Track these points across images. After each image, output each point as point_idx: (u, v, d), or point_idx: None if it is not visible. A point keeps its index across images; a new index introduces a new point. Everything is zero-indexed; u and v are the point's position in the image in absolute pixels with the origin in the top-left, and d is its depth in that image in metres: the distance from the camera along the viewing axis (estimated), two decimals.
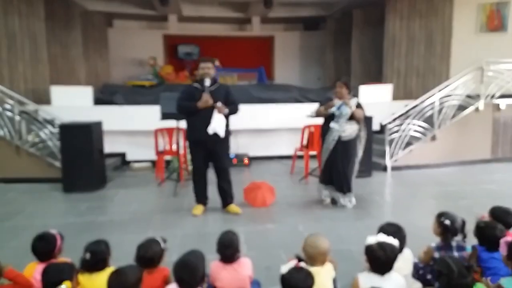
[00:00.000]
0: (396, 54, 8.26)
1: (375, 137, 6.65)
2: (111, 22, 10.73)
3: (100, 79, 9.52)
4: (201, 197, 4.44)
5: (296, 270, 1.98)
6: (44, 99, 6.87)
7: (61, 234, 2.48)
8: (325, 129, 4.55)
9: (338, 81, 4.51)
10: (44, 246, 2.36)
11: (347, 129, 4.41)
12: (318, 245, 2.27)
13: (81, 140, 5.25)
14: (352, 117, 4.40)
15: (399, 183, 5.80)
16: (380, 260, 2.08)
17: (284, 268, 1.99)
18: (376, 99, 7.19)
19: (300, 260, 2.04)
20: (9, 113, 5.85)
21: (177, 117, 5.15)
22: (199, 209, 4.38)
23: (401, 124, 6.48)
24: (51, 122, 6.05)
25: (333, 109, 4.42)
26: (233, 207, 4.44)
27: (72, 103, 6.54)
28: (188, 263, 2.06)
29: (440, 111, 6.57)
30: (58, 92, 6.70)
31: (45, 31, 7.40)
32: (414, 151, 6.53)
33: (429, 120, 6.56)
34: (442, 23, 7.88)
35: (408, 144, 6.51)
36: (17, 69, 7.12)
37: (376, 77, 9.09)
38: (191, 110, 4.10)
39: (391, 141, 6.43)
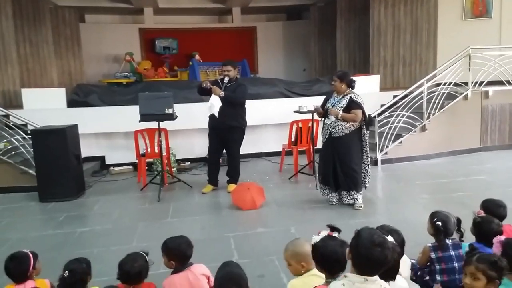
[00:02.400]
0: (382, 43, 8.14)
1: None
2: (83, 17, 10.30)
3: (73, 78, 9.19)
4: (211, 180, 5.17)
5: (330, 238, 1.88)
6: (15, 102, 6.52)
7: (34, 252, 2.32)
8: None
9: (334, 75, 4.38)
10: (16, 267, 2.23)
11: (338, 125, 4.23)
12: (306, 249, 2.05)
13: (55, 146, 4.99)
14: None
15: (390, 177, 5.72)
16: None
17: (316, 239, 1.90)
18: (364, 91, 6.97)
19: (333, 229, 1.93)
20: None
21: (157, 118, 4.94)
22: (208, 187, 5.12)
23: (390, 116, 6.33)
24: (23, 127, 5.72)
25: (328, 105, 4.33)
26: (229, 186, 5.05)
27: (44, 106, 6.26)
28: (236, 276, 1.89)
29: (428, 100, 6.45)
30: (29, 95, 6.43)
31: (13, 30, 7.06)
32: (404, 143, 6.40)
33: (418, 111, 6.42)
34: (428, 10, 7.80)
35: (398, 136, 6.37)
36: None
37: (363, 68, 8.95)
38: (201, 88, 4.97)
39: (380, 134, 6.27)
